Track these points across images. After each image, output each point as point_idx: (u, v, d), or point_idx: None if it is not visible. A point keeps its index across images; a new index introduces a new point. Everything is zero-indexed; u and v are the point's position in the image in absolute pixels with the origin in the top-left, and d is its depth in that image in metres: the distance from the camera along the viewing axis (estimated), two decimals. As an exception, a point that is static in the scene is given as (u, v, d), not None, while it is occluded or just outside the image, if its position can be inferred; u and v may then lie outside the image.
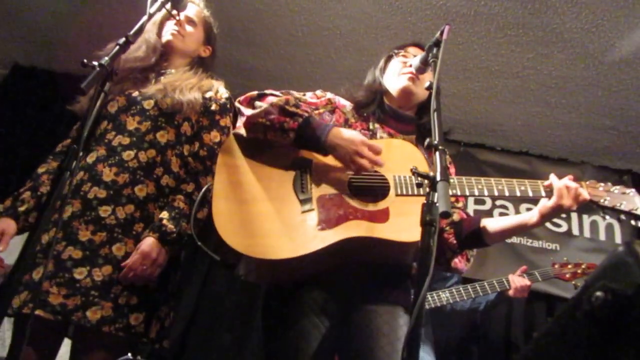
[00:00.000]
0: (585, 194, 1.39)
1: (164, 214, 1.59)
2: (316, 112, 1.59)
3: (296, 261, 1.31)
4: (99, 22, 3.40)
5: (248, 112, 1.48)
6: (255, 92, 1.54)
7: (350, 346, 1.40)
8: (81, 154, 1.59)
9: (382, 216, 1.37)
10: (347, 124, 1.61)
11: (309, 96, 1.64)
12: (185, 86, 1.72)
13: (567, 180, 1.40)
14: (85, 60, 1.22)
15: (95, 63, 1.20)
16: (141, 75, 1.77)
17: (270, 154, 1.48)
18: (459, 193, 1.42)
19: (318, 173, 1.46)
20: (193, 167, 1.71)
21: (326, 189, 1.43)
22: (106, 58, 1.22)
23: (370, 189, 1.44)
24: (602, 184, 1.44)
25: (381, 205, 1.39)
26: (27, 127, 3.80)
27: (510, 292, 2.62)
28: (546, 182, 1.42)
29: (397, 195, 1.40)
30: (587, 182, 1.44)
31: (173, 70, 1.82)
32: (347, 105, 1.66)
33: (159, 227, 1.55)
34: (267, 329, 1.48)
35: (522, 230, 1.47)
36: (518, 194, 1.41)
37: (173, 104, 1.68)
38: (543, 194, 1.41)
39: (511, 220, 1.49)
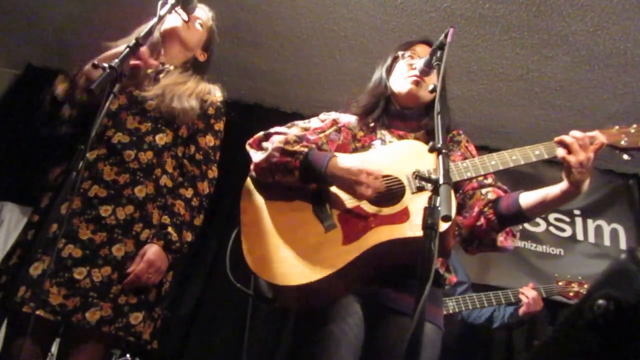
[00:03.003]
0: (601, 137, 1.32)
1: (166, 219, 1.59)
2: (323, 134, 1.61)
3: (329, 280, 1.32)
4: (111, 24, 3.41)
5: (256, 158, 1.52)
6: (262, 133, 1.57)
7: None
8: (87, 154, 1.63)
9: (402, 217, 1.36)
10: (355, 139, 1.62)
11: (313, 122, 1.66)
12: (183, 92, 1.72)
13: (575, 132, 1.32)
14: (95, 62, 1.23)
15: (106, 65, 1.21)
16: (140, 71, 1.75)
17: (287, 188, 1.50)
18: (473, 175, 1.39)
19: (335, 194, 1.48)
20: (189, 171, 1.71)
21: (345, 206, 1.44)
22: (116, 60, 1.23)
23: (388, 194, 1.44)
24: (617, 126, 1.37)
25: (400, 206, 1.39)
26: (40, 127, 3.81)
27: (523, 309, 2.57)
28: (556, 138, 1.35)
29: (412, 193, 1.40)
30: (601, 129, 1.36)
31: (170, 67, 1.82)
32: (352, 120, 1.67)
33: (164, 235, 1.56)
34: (296, 337, 1.49)
35: (559, 199, 1.36)
36: (534, 159, 1.35)
37: (170, 111, 1.68)
38: (559, 152, 1.32)
39: (547, 190, 1.40)
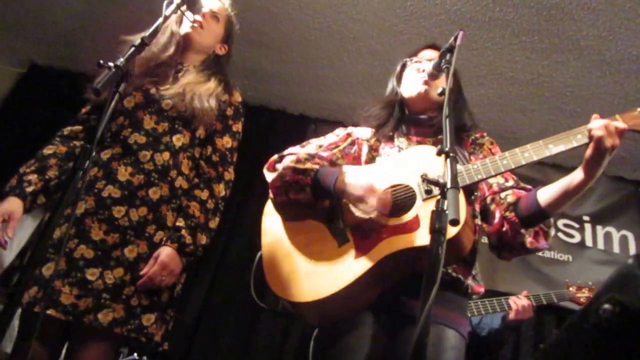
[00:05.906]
0: (621, 124, 1.33)
1: (180, 222, 1.59)
2: (337, 150, 1.62)
3: (342, 294, 1.33)
4: (117, 23, 3.42)
5: (270, 178, 1.54)
6: (276, 156, 1.58)
7: None
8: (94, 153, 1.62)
9: (413, 225, 1.35)
10: (371, 149, 1.62)
11: (329, 137, 1.68)
12: (203, 93, 1.70)
13: (599, 119, 1.33)
14: (101, 61, 1.22)
15: (111, 64, 1.21)
16: (159, 70, 1.75)
17: (303, 206, 1.51)
18: (484, 176, 1.35)
19: (347, 208, 1.46)
20: (206, 172, 1.70)
21: (356, 219, 1.43)
22: (121, 59, 1.22)
23: (400, 203, 1.43)
24: (638, 108, 1.36)
25: (411, 214, 1.38)
26: (43, 126, 3.82)
27: (511, 315, 2.53)
28: (590, 125, 1.35)
29: (423, 200, 1.39)
30: (620, 114, 1.36)
31: (188, 66, 1.80)
32: (367, 133, 1.67)
33: (178, 238, 1.56)
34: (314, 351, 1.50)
35: (575, 190, 1.35)
36: (547, 154, 1.34)
37: (189, 111, 1.67)
38: (574, 143, 1.35)
39: (562, 182, 1.39)
